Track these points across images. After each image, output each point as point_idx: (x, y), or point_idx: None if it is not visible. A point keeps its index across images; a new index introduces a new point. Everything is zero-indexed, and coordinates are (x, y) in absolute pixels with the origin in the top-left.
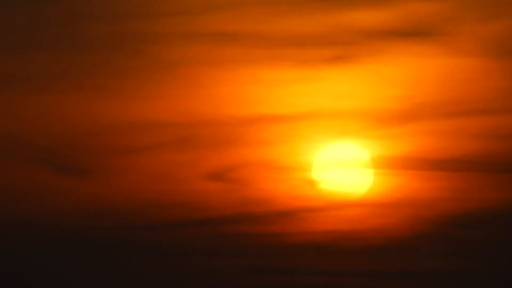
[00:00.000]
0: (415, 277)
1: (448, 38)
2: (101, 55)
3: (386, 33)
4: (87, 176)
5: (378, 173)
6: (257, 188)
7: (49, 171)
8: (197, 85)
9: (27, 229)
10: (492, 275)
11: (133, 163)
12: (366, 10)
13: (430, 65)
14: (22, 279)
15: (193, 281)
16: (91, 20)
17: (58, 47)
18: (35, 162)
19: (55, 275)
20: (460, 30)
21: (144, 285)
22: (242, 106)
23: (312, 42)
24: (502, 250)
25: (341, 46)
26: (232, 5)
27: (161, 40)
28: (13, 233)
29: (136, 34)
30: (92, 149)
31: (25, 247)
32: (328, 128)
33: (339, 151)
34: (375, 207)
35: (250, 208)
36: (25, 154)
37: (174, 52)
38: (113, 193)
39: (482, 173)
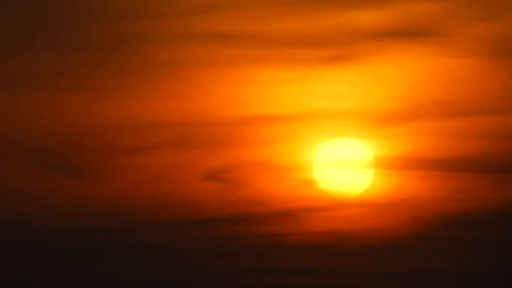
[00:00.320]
0: (413, 277)
1: (446, 38)
2: (98, 56)
3: (383, 33)
4: (83, 176)
5: (377, 173)
6: (255, 188)
7: (46, 172)
8: (194, 86)
9: (24, 229)
10: (491, 275)
11: (130, 163)
12: (364, 11)
13: (428, 65)
14: (19, 279)
15: (190, 281)
16: (88, 20)
17: (56, 47)
18: (32, 162)
19: (53, 276)
20: (457, 30)
21: (141, 285)
22: (239, 106)
23: (310, 42)
24: (501, 250)
25: (339, 47)
26: (229, 5)
27: (158, 41)
28: (11, 234)
29: (133, 35)
30: (89, 150)
31: (23, 248)
32: (325, 128)
33: (337, 151)
34: (374, 207)
35: (248, 208)
36: (22, 154)
37: (172, 52)
38: (110, 194)
39: (480, 173)
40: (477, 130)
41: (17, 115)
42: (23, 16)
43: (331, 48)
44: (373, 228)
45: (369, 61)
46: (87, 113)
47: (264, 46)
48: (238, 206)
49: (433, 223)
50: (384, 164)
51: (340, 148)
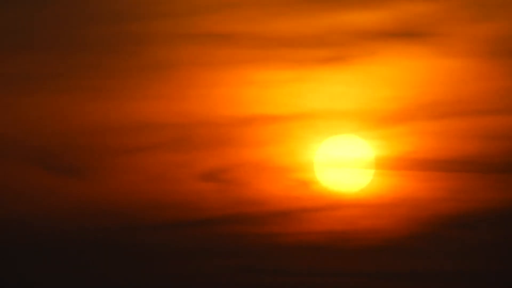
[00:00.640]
0: (412, 277)
1: (441, 39)
2: (96, 56)
3: (379, 34)
4: (82, 176)
5: (375, 173)
6: (253, 188)
7: (44, 172)
8: (192, 86)
9: (24, 229)
10: (491, 275)
11: (129, 163)
12: (360, 11)
13: (425, 66)
14: (18, 280)
15: (189, 282)
16: (86, 21)
17: (54, 47)
18: (30, 162)
19: (52, 276)
20: (453, 31)
21: (140, 285)
22: (237, 106)
23: (306, 43)
24: (500, 251)
25: (336, 47)
26: (226, 6)
27: (156, 41)
28: (10, 234)
29: (130, 35)
30: (87, 150)
31: (21, 248)
32: (322, 129)
33: (335, 151)
34: (372, 207)
35: (246, 208)
36: (21, 154)
37: (169, 53)
38: (108, 194)
39: (479, 173)
40: (475, 130)
41: (16, 115)
42: (22, 16)
43: (328, 48)
44: (372, 228)
45: (366, 62)
46: (85, 113)
47: (262, 47)
48: (236, 206)
49: (432, 223)
50: (382, 164)
51: (338, 148)
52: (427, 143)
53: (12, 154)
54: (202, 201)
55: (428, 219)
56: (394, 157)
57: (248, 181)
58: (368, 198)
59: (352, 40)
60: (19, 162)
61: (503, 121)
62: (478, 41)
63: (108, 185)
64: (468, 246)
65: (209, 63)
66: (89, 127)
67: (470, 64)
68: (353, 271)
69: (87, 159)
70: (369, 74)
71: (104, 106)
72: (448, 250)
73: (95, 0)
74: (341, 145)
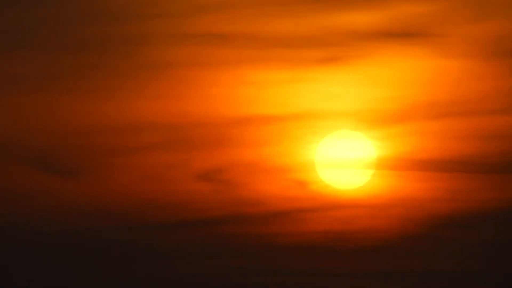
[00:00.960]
0: (409, 277)
1: (438, 40)
2: (93, 56)
3: (376, 34)
4: (78, 177)
5: (371, 173)
6: (249, 188)
7: (39, 172)
8: (188, 86)
9: (20, 230)
10: (487, 275)
11: (124, 164)
12: (357, 12)
13: (421, 66)
14: (16, 280)
15: (184, 281)
16: (83, 21)
17: (50, 48)
18: (26, 162)
19: (49, 276)
20: (449, 31)
21: (136, 285)
22: (233, 106)
23: (303, 43)
24: (496, 251)
25: (332, 48)
26: (223, 6)
27: (152, 42)
28: (7, 235)
29: (128, 36)
30: (83, 150)
31: (19, 249)
32: (319, 129)
33: (331, 151)
34: (368, 207)
35: (242, 208)
36: (17, 155)
37: (166, 53)
38: (104, 194)
39: (473, 174)
40: (472, 130)
41: (13, 115)
42: (20, 16)
43: (325, 49)
44: (369, 228)
45: (362, 62)
46: (83, 114)
47: (258, 47)
48: (233, 207)
49: (429, 224)
50: (379, 165)
51: (335, 149)
52: (425, 143)
53: (8, 155)
54: (199, 202)
55: (426, 219)
56: (391, 157)
57: (245, 181)
58: (366, 198)
59: (349, 41)
60: (14, 163)
61: (501, 121)
62: (475, 41)
63: (105, 185)
64: (465, 246)
65: (206, 63)
66: (87, 127)
67: (467, 65)
68: (351, 271)
69: (84, 159)
70: (367, 75)
71: (101, 106)
72: (445, 250)
73: (93, 0)
74: (338, 146)
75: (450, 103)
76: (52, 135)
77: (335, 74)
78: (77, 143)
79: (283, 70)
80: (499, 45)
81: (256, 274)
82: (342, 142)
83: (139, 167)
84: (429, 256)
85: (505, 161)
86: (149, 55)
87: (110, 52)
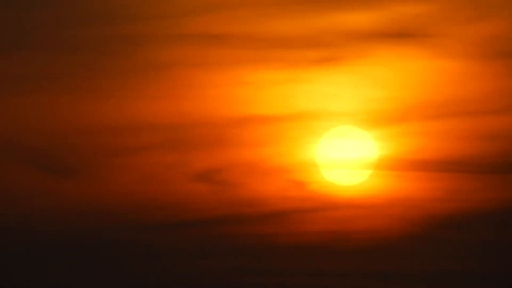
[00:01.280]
0: (406, 277)
1: (434, 40)
2: (90, 57)
3: (373, 35)
4: (76, 177)
5: (368, 174)
6: (246, 189)
7: (38, 172)
8: (186, 86)
9: (18, 230)
10: (484, 275)
11: (122, 164)
12: (353, 12)
13: (418, 67)
14: (13, 280)
15: (182, 282)
16: (80, 22)
17: (48, 48)
18: (24, 162)
19: (47, 276)
20: (446, 32)
21: (133, 285)
22: (230, 107)
23: (300, 44)
24: (494, 251)
25: (329, 48)
26: (220, 7)
27: (150, 42)
28: (5, 235)
29: (125, 36)
30: (81, 150)
31: (17, 249)
32: (316, 129)
33: (329, 152)
34: (365, 208)
35: (239, 209)
36: (15, 155)
37: (163, 53)
38: (102, 194)
39: (470, 174)
40: (468, 131)
41: (12, 115)
42: (18, 17)
43: (321, 49)
44: (365, 228)
45: (359, 62)
46: (80, 114)
47: (255, 47)
48: (229, 207)
49: (427, 224)
50: (377, 165)
51: (332, 149)
52: (422, 143)
53: (6, 155)
54: (197, 202)
55: (425, 219)
56: (390, 157)
57: (242, 181)
58: (363, 198)
59: (345, 41)
60: (13, 162)
61: (499, 121)
62: (471, 41)
63: (103, 186)
64: (464, 246)
65: (203, 64)
66: (85, 127)
67: (464, 65)
68: (348, 271)
69: (83, 159)
70: (363, 75)
71: (99, 106)
72: (444, 250)
73: (90, 1)
74: (336, 146)
75: (447, 103)
76: (51, 135)
77: (332, 75)
78: (76, 143)
79: (280, 70)
80: (496, 45)
81: (255, 274)
82: (340, 142)
83: (137, 167)
84: (428, 257)
85: (504, 161)
86: (147, 55)
87: (108, 52)
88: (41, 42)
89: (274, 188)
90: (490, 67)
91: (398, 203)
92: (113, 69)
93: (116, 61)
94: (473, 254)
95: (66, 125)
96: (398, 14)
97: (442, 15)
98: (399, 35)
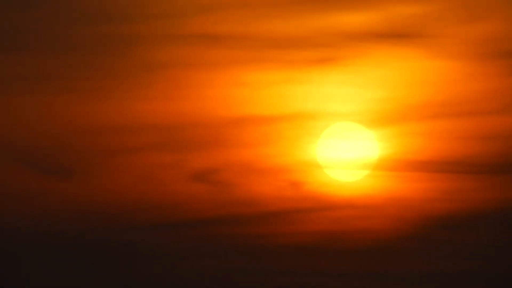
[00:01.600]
0: (403, 278)
1: (431, 40)
2: (87, 57)
3: (370, 35)
4: (72, 177)
5: (365, 174)
6: (243, 189)
7: (34, 173)
8: (182, 87)
9: (16, 230)
10: (480, 276)
11: (118, 164)
12: (351, 13)
13: (414, 67)
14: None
15: (178, 283)
16: (76, 22)
17: (44, 49)
18: (19, 163)
19: (43, 277)
20: (444, 32)
21: (130, 286)
22: (227, 107)
23: (297, 44)
24: (490, 251)
25: (326, 48)
26: (217, 7)
27: (146, 42)
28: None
29: (121, 36)
30: (77, 151)
31: (12, 250)
32: (313, 130)
33: (325, 152)
34: (362, 208)
35: (236, 209)
36: (11, 155)
37: (160, 54)
38: (98, 195)
39: (467, 174)
40: (465, 131)
41: (8, 116)
42: (14, 17)
43: (318, 49)
44: (362, 229)
45: (356, 63)
46: (77, 114)
47: (252, 48)
48: (226, 207)
49: (423, 224)
50: (373, 165)
51: (328, 149)
52: (418, 144)
53: (4, 155)
54: (194, 202)
55: (419, 220)
56: (386, 158)
57: (239, 181)
58: (360, 199)
59: (342, 41)
60: (8, 163)
61: (494, 122)
62: (468, 42)
63: (99, 186)
64: (463, 247)
65: (199, 64)
66: (81, 128)
67: (460, 65)
68: (345, 272)
69: (79, 160)
70: (360, 75)
71: (96, 107)
72: (439, 251)
73: (87, 1)
74: (332, 146)
75: (443, 104)
76: (48, 135)
77: (329, 75)
78: (73, 143)
79: (276, 70)
80: (493, 46)
81: (251, 275)
82: (336, 143)
83: (134, 167)
84: (425, 257)
85: (499, 162)
86: (143, 56)
87: (104, 53)
88: (38, 43)
89: (271, 188)
90: (488, 67)
91: (396, 204)
92: (110, 69)
93: (113, 61)
94: (473, 255)
95: (63, 126)
96: (395, 15)
97: (439, 15)
98: (396, 35)
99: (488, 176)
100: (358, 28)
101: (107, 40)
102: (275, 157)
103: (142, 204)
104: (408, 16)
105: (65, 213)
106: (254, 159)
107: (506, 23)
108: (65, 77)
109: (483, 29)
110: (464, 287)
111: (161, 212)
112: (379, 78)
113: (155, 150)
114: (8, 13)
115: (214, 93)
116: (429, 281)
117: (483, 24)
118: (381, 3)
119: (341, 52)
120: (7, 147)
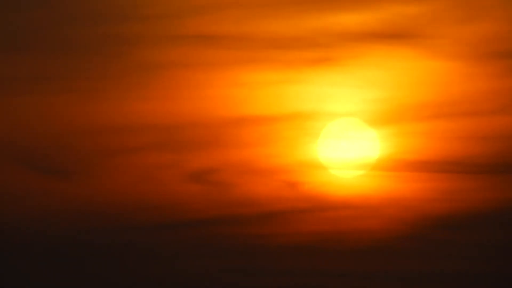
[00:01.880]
0: (401, 278)
1: (428, 41)
2: (85, 58)
3: (368, 35)
4: (70, 178)
5: (363, 174)
6: (240, 189)
7: (32, 173)
8: (180, 87)
9: (14, 231)
10: (479, 276)
11: (118, 164)
12: (348, 13)
13: (411, 67)
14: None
15: (176, 283)
16: (75, 22)
17: (41, 50)
18: (18, 163)
19: (41, 278)
20: (441, 32)
21: (129, 286)
22: (225, 108)
23: (295, 44)
24: (488, 252)
25: (324, 49)
26: (215, 7)
27: (144, 43)
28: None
29: (119, 37)
30: (77, 151)
31: (11, 250)
32: (311, 130)
33: (323, 152)
34: (360, 208)
35: (234, 210)
36: (9, 155)
37: (158, 54)
38: (98, 195)
39: (465, 174)
40: (462, 131)
41: (7, 116)
42: (14, 19)
43: (316, 50)
44: (361, 229)
45: (354, 63)
46: (75, 115)
47: (250, 48)
48: (224, 208)
49: (421, 224)
50: (370, 165)
51: (326, 150)
52: (415, 144)
53: (3, 155)
54: (193, 202)
55: (419, 220)
56: (383, 158)
57: (237, 181)
58: (359, 199)
59: (340, 42)
60: (6, 163)
61: (493, 122)
62: (465, 42)
63: (99, 186)
64: (462, 247)
65: (198, 64)
66: (81, 128)
67: (457, 66)
68: (344, 272)
69: (79, 160)
70: (357, 76)
71: (95, 107)
72: (439, 251)
73: (87, 2)
74: (330, 146)
75: (440, 104)
76: (47, 135)
77: (327, 75)
78: (72, 143)
79: (274, 71)
80: (490, 46)
81: (250, 275)
82: (333, 143)
83: (130, 168)
84: (424, 257)
85: (496, 162)
86: (141, 56)
87: (103, 53)
88: (38, 43)
89: (269, 189)
90: (484, 68)
91: (395, 204)
92: (109, 69)
93: (112, 61)
94: (473, 255)
95: (63, 126)
96: (392, 15)
97: (436, 16)
98: (393, 35)
99: (488, 176)
100: (356, 28)
101: (107, 40)
102: (274, 157)
103: (142, 204)
104: (406, 16)
105: (65, 213)
106: (253, 159)
107: (504, 23)
108: (65, 77)
109: (481, 29)
110: (464, 287)
111: (160, 212)
112: (377, 78)
113: (154, 150)
114: (8, 13)
115: (213, 93)
116: (429, 281)
117: (481, 24)
118: (379, 4)
119: (339, 52)
120: (7, 147)
